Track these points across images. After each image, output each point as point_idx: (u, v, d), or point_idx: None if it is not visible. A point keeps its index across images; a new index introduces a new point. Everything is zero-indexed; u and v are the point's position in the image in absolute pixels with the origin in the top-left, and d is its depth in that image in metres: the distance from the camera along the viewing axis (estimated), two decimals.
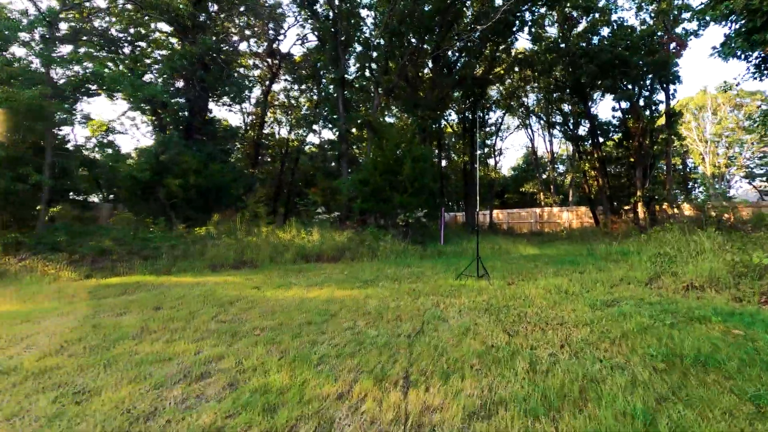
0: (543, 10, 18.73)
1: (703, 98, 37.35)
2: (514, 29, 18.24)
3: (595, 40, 17.75)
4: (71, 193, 14.97)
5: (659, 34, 15.72)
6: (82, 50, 15.11)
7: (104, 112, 38.00)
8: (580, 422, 2.26)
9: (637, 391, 2.62)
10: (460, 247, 10.58)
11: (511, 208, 32.29)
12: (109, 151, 10.35)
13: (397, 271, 7.31)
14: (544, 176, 36.19)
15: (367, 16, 17.40)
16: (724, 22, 9.87)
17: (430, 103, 17.56)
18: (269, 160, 23.81)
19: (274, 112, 25.79)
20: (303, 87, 23.95)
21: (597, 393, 2.61)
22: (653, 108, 16.95)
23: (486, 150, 28.60)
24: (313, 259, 8.88)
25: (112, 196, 16.95)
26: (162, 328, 4.32)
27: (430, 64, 20.22)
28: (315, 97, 22.86)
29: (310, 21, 17.40)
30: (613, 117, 18.65)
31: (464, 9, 17.87)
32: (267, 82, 21.48)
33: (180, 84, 15.15)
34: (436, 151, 24.22)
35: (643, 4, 17.68)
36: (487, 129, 28.11)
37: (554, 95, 22.61)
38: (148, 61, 16.20)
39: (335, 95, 15.86)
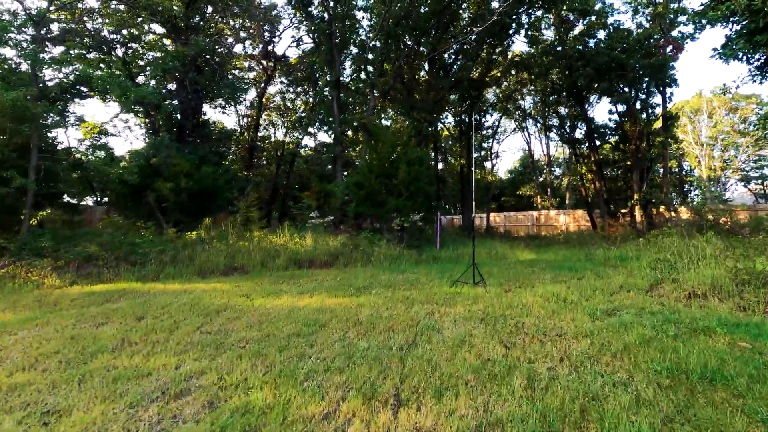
0: (539, 12, 18.69)
1: (698, 101, 37.50)
2: (511, 32, 18.16)
3: (592, 43, 17.72)
4: (65, 196, 14.78)
5: (656, 37, 15.67)
6: (74, 52, 14.98)
7: (98, 115, 37.74)
8: None
9: (642, 410, 2.46)
10: (457, 252, 10.40)
11: (508, 211, 32.22)
12: (99, 153, 10.12)
13: (391, 277, 7.13)
14: (541, 179, 36.15)
15: (363, 18, 17.31)
16: (724, 24, 9.72)
17: (427, 105, 17.44)
18: (264, 163, 23.60)
19: (270, 115, 25.63)
20: (299, 89, 23.81)
21: (599, 413, 2.45)
22: (650, 111, 16.91)
23: (483, 153, 28.54)
24: (306, 264, 8.67)
25: (105, 199, 16.74)
26: (143, 339, 4.12)
27: (427, 67, 20.12)
28: (311, 100, 22.71)
29: (304, 23, 17.26)
30: (610, 120, 18.61)
31: (460, 11, 17.78)
32: (262, 85, 21.31)
33: (173, 86, 14.96)
34: (433, 154, 24.12)
35: (639, 7, 17.67)
36: (484, 132, 28.04)
37: (551, 98, 22.56)
38: (141, 63, 16.02)
39: (330, 98, 15.70)
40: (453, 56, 19.79)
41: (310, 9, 15.89)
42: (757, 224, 11.06)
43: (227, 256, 8.51)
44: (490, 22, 13.03)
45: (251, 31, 20.40)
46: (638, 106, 16.87)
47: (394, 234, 10.94)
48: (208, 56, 14.10)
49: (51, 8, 10.79)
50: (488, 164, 30.97)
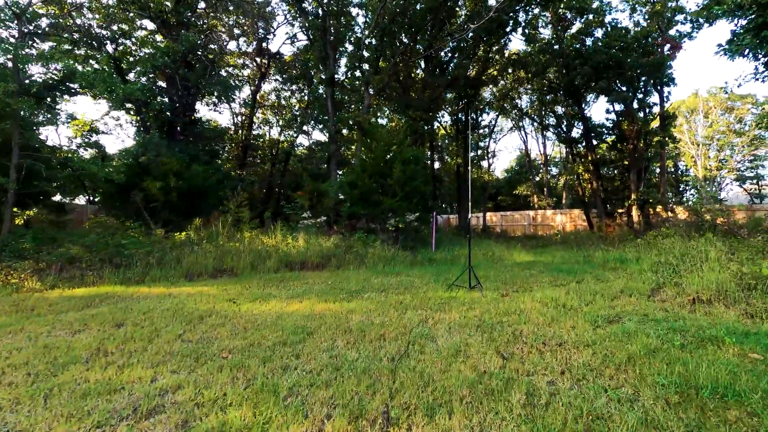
0: (537, 10, 18.53)
1: (694, 101, 37.53)
2: (508, 29, 17.97)
3: (589, 41, 17.58)
4: (59, 196, 14.45)
5: (654, 35, 15.53)
6: (63, 47, 14.63)
7: (90, 113, 37.24)
8: None
9: None
10: (453, 254, 10.19)
11: (504, 210, 32.09)
12: (85, 151, 9.84)
13: (384, 280, 6.91)
14: (538, 179, 36.06)
15: (358, 14, 17.04)
16: (730, 18, 9.42)
17: (422, 103, 17.21)
18: (258, 162, 23.29)
19: (264, 113, 25.32)
20: (293, 87, 23.52)
21: None
22: (647, 110, 16.78)
23: (479, 152, 28.35)
24: (297, 266, 8.42)
25: (98, 198, 16.40)
26: (119, 349, 3.89)
27: (423, 65, 19.91)
28: (306, 98, 22.44)
29: (299, 19, 16.98)
30: (607, 119, 18.44)
31: (457, 8, 17.58)
32: (256, 82, 21.00)
33: (164, 83, 14.65)
34: (429, 153, 23.92)
35: (636, 5, 17.54)
36: (481, 131, 27.86)
37: (548, 97, 22.44)
38: (132, 59, 15.68)
39: (325, 95, 15.46)
40: (449, 54, 19.57)
41: (304, 5, 15.63)
42: (755, 225, 10.93)
43: (216, 257, 8.25)
44: (487, 19, 12.81)
45: (245, 28, 20.09)
46: (635, 105, 16.75)
47: (388, 235, 10.72)
48: (199, 52, 13.79)
49: (35, 1, 10.45)
50: (485, 163, 30.80)
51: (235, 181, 15.33)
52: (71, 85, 12.67)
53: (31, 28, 12.07)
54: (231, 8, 17.87)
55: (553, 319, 4.25)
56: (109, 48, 15.69)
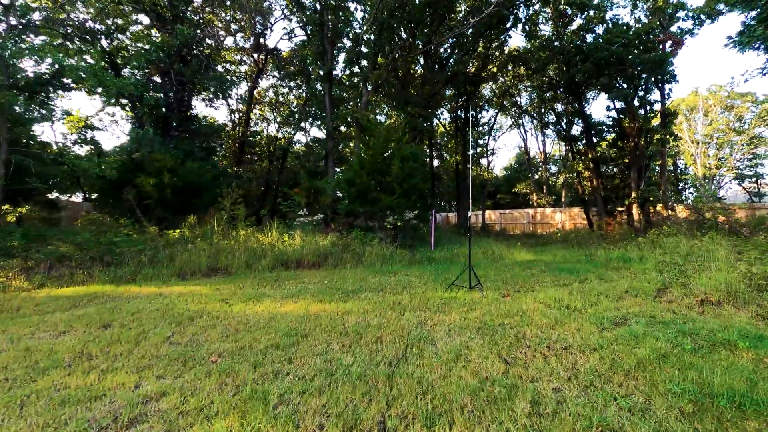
0: (537, 6, 18.34)
1: (694, 99, 37.39)
2: (508, 25, 17.78)
3: (590, 38, 17.39)
4: (56, 193, 14.19)
5: (656, 32, 15.34)
6: (56, 42, 14.37)
7: (86, 109, 36.88)
8: None
9: None
10: (452, 252, 10.02)
11: (503, 208, 31.95)
12: (78, 148, 9.63)
13: (382, 279, 6.74)
14: (537, 177, 35.92)
15: (356, 9, 16.80)
16: (741, 9, 9.11)
17: (421, 100, 17.01)
18: (256, 159, 23.07)
19: (262, 110, 25.08)
20: (291, 84, 23.28)
21: None
22: (648, 108, 16.61)
23: (478, 150, 28.17)
24: (293, 265, 8.24)
25: (95, 195, 16.18)
26: (103, 352, 3.71)
27: (422, 61, 19.69)
28: (304, 95, 22.20)
29: (296, 13, 16.74)
30: (608, 117, 18.28)
31: (457, 2, 17.34)
32: (253, 77, 20.76)
33: (160, 78, 14.41)
34: (428, 150, 23.73)
35: (638, 1, 17.36)
36: (480, 128, 27.67)
37: (547, 94, 22.25)
38: (126, 54, 15.43)
39: (322, 91, 15.24)
40: (448, 50, 19.36)
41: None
42: (758, 223, 10.79)
43: (210, 256, 8.06)
44: (487, 13, 12.61)
45: (242, 23, 19.83)
46: (636, 102, 16.58)
47: (386, 233, 10.54)
48: (194, 47, 13.55)
49: None
50: (484, 161, 30.63)
51: (231, 178, 15.12)
52: (66, 81, 12.46)
53: (23, 21, 11.84)
54: (228, 3, 17.62)
55: (557, 321, 4.09)
56: (104, 43, 15.48)
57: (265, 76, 22.91)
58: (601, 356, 3.25)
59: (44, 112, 12.48)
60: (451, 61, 19.61)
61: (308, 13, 15.07)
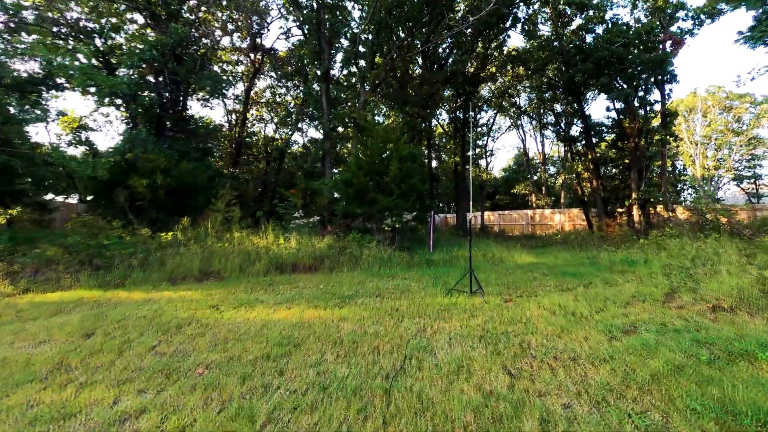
0: (537, 5, 18.19)
1: (693, 100, 37.33)
2: (507, 24, 17.61)
3: (589, 38, 17.25)
4: (51, 194, 13.89)
5: (656, 31, 15.19)
6: (51, 40, 14.13)
7: (80, 110, 36.57)
8: None
9: None
10: (451, 255, 9.81)
11: (502, 209, 31.78)
12: (73, 149, 9.39)
13: (380, 284, 6.53)
14: (536, 178, 35.79)
15: (353, 8, 16.61)
16: (749, 6, 8.86)
17: (420, 100, 16.82)
18: (252, 160, 22.82)
19: (259, 110, 24.85)
20: (289, 84, 23.05)
21: None
22: (648, 108, 16.46)
23: (477, 151, 28.02)
24: (288, 269, 8.01)
25: (90, 197, 15.92)
26: (83, 363, 3.50)
27: (420, 61, 19.52)
28: (301, 95, 21.98)
29: (293, 12, 16.52)
30: (607, 117, 18.12)
31: (455, 1, 17.16)
32: (250, 77, 20.54)
33: (153, 78, 14.17)
34: (426, 151, 23.56)
35: (637, 1, 17.22)
36: (479, 129, 27.52)
37: (546, 95, 22.12)
38: (121, 53, 15.18)
39: (319, 91, 15.03)
40: (447, 50, 19.19)
41: None
42: (762, 225, 10.62)
43: (203, 259, 7.83)
44: (486, 12, 12.42)
45: (239, 22, 19.61)
46: (636, 103, 16.43)
47: (384, 235, 10.33)
48: (189, 46, 13.31)
49: None
50: (483, 162, 30.46)
51: (227, 179, 14.88)
52: (59, 81, 12.23)
53: (15, 20, 11.61)
54: (224, 2, 17.41)
55: (563, 329, 3.89)
56: (98, 42, 15.24)
57: (261, 76, 22.70)
58: (612, 368, 3.05)
59: (38, 112, 12.25)
60: (450, 60, 19.43)
61: (305, 12, 14.86)
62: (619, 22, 16.85)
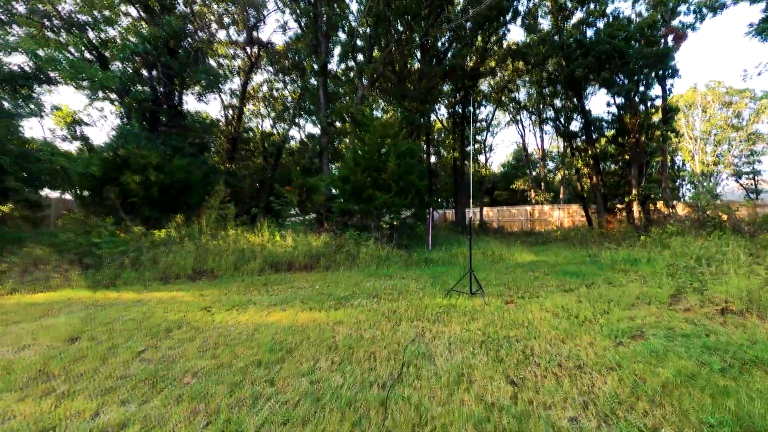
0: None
1: (693, 95, 37.14)
2: (507, 17, 17.36)
3: (590, 32, 17.04)
4: (46, 189, 13.66)
5: (657, 24, 14.98)
6: (45, 34, 13.83)
7: (75, 105, 36.15)
8: None
9: None
10: (450, 253, 9.66)
11: (501, 205, 31.65)
12: (68, 145, 9.15)
13: (377, 284, 6.36)
14: (535, 173, 35.63)
15: (351, 0, 16.34)
16: None
17: (418, 94, 16.60)
18: (249, 155, 22.56)
19: (256, 105, 24.55)
20: (286, 79, 22.75)
21: None
22: (649, 103, 16.30)
23: (476, 146, 27.82)
24: (284, 267, 7.85)
25: (85, 193, 15.71)
26: (65, 371, 3.33)
27: (419, 55, 19.26)
28: (299, 90, 21.71)
29: (289, 5, 16.23)
30: (608, 113, 17.95)
31: None
32: (246, 71, 20.24)
33: (147, 72, 13.90)
34: (425, 146, 23.36)
35: None
36: (478, 124, 27.32)
37: (546, 89, 21.92)
38: (113, 47, 14.89)
39: (317, 85, 14.80)
40: (446, 43, 18.93)
41: None
42: (764, 222, 10.49)
43: (197, 257, 7.65)
44: (487, 4, 12.19)
45: (235, 15, 19.28)
46: (637, 98, 16.25)
47: (382, 232, 10.16)
48: (183, 39, 13.02)
49: None
50: (482, 158, 30.28)
51: (223, 175, 14.66)
52: (52, 75, 11.97)
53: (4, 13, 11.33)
54: None
55: (567, 334, 3.74)
56: (91, 35, 14.94)
57: (259, 70, 22.40)
58: (621, 377, 2.90)
59: (33, 107, 12.01)
60: (449, 54, 19.18)
61: (302, 4, 14.60)
62: (621, 16, 16.65)
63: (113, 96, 14.98)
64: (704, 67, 65.50)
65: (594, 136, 18.48)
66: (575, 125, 20.79)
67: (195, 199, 11.06)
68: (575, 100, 18.97)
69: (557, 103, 22.98)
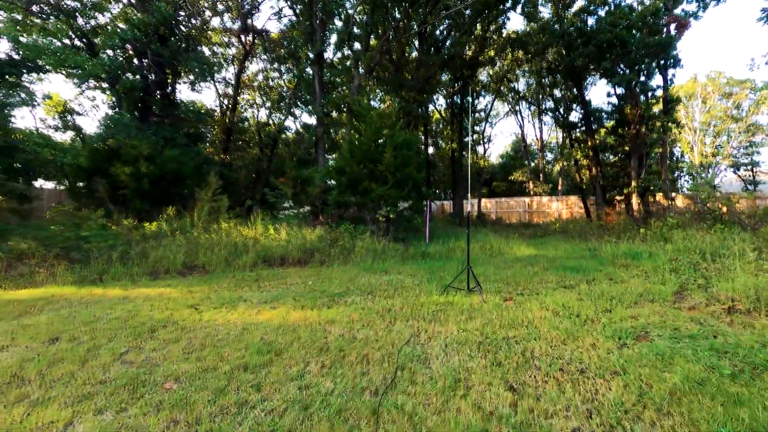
0: None
1: (693, 86, 36.82)
2: (507, 5, 16.98)
3: (591, 20, 16.69)
4: (43, 179, 13.35)
5: (660, 12, 14.64)
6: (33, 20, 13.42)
7: (66, 93, 35.53)
8: None
9: None
10: (448, 246, 9.48)
11: (499, 196, 31.47)
12: (61, 135, 8.86)
13: (372, 279, 6.19)
14: (533, 164, 35.41)
15: None
16: None
17: (416, 84, 16.28)
18: (244, 146, 22.24)
19: (252, 95, 24.15)
20: (282, 68, 22.34)
21: None
22: (650, 93, 16.03)
23: (475, 137, 27.54)
24: (277, 262, 7.66)
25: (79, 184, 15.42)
26: (41, 375, 3.16)
27: (416, 44, 18.89)
28: (295, 79, 21.32)
29: None
30: (608, 103, 17.69)
31: None
32: (241, 60, 19.83)
33: (140, 60, 13.53)
34: (423, 137, 23.07)
35: None
36: (476, 115, 27.01)
37: (546, 79, 21.60)
38: (102, 34, 14.49)
39: (312, 74, 14.47)
40: (445, 32, 18.55)
41: None
42: (766, 214, 10.34)
43: (187, 252, 7.45)
44: None
45: (229, 2, 18.82)
46: (638, 88, 15.98)
47: (378, 225, 9.97)
48: (175, 25, 12.62)
49: None
50: (480, 148, 30.02)
51: (217, 166, 14.39)
52: (41, 63, 11.62)
53: None
54: None
55: (569, 334, 3.59)
56: (81, 22, 14.53)
57: (254, 59, 21.97)
58: (626, 383, 2.75)
59: (24, 95, 11.69)
60: (448, 43, 18.81)
61: None
62: (622, 4, 16.29)
63: (105, 85, 14.65)
64: (705, 58, 65.03)
65: (594, 127, 18.23)
66: (575, 116, 20.54)
67: (187, 190, 10.82)
68: (575, 90, 18.68)
69: (557, 93, 22.70)
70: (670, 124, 15.57)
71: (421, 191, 11.65)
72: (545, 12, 19.69)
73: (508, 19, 19.63)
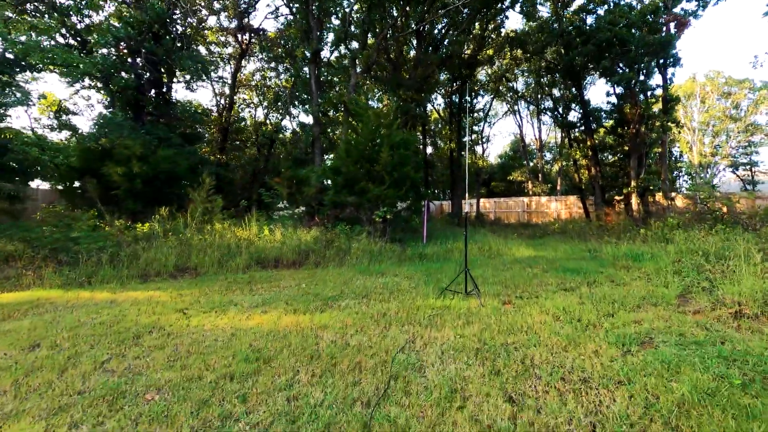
0: None
1: (692, 86, 36.76)
2: (506, 4, 16.84)
3: (591, 19, 16.58)
4: (38, 180, 13.20)
5: (659, 11, 14.53)
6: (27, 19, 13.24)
7: (61, 92, 35.29)
8: None
9: None
10: (445, 247, 9.34)
11: (497, 197, 31.36)
12: (57, 134, 8.67)
13: (367, 282, 6.04)
14: (532, 164, 35.31)
15: None
16: None
17: (414, 83, 16.13)
18: (240, 146, 22.07)
19: (249, 95, 24.00)
20: (279, 67, 22.18)
21: None
22: (650, 93, 15.92)
23: (473, 137, 27.42)
24: (271, 264, 7.50)
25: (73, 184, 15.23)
26: (16, 385, 3.00)
27: (414, 42, 18.74)
28: (292, 78, 21.16)
29: None
30: (607, 103, 17.57)
31: None
32: (237, 59, 19.67)
33: (133, 58, 13.35)
34: (421, 137, 22.94)
35: None
36: (475, 114, 26.88)
37: (545, 79, 21.50)
38: (94, 32, 14.30)
39: (308, 74, 14.31)
40: (443, 30, 18.41)
41: None
42: (766, 214, 10.22)
43: (179, 253, 7.29)
44: None
45: (226, 1, 18.66)
46: (637, 87, 15.86)
47: (375, 226, 9.82)
48: (169, 23, 12.45)
49: None
50: (479, 148, 29.90)
51: (213, 166, 14.22)
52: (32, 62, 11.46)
53: None
54: None
55: (570, 341, 3.44)
56: (74, 20, 14.36)
57: (250, 58, 21.82)
58: (631, 394, 2.61)
59: (19, 95, 11.53)
60: (446, 42, 18.68)
61: None
62: (622, 2, 16.17)
63: (100, 84, 14.47)
64: (703, 58, 65.03)
65: (593, 127, 18.12)
66: (573, 115, 20.43)
67: (181, 191, 10.65)
68: (574, 89, 18.58)
69: (556, 92, 22.62)
70: (669, 123, 15.46)
71: (419, 191, 11.51)
72: (544, 11, 19.60)
73: (507, 17, 19.48)
